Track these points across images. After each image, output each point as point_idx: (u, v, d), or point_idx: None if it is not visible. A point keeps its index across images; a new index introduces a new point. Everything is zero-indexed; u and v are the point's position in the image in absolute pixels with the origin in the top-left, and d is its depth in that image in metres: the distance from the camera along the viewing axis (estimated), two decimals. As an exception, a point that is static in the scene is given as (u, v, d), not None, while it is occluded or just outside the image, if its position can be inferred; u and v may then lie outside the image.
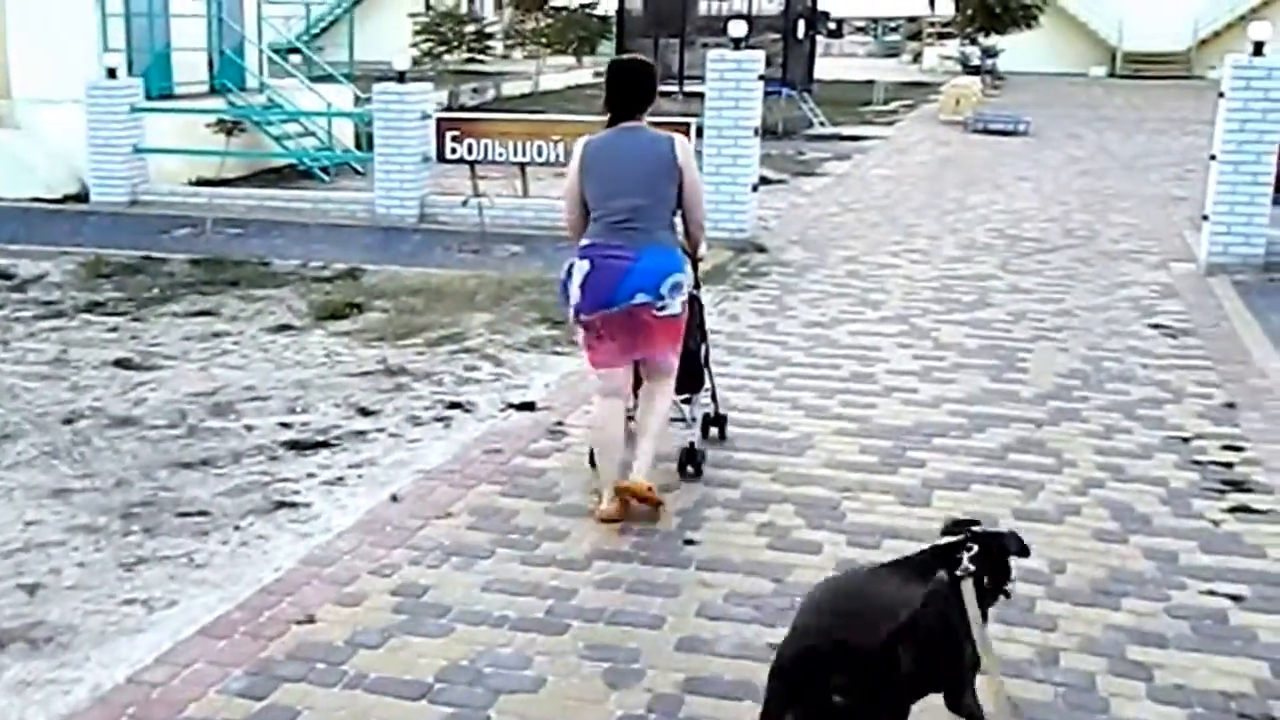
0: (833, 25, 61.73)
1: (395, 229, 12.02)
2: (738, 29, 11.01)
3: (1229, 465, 5.94)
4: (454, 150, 12.18)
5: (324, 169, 15.03)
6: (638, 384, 5.28)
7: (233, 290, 9.35)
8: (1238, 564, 4.87)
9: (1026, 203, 14.51)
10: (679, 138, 5.21)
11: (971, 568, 3.17)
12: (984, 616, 3.16)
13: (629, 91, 4.98)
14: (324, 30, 45.36)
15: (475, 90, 30.00)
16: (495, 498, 5.35)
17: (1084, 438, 6.32)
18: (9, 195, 13.59)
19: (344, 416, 6.43)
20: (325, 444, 6.01)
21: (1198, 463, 5.97)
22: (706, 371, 5.78)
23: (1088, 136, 22.66)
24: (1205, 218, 10.59)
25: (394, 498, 5.36)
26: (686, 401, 5.67)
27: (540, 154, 11.99)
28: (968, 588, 3.13)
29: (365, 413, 6.49)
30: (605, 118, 5.08)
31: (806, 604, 3.28)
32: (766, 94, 22.86)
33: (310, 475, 5.63)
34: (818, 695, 2.93)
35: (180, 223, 12.21)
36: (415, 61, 26.88)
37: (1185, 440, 6.29)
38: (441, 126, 12.17)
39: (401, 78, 12.01)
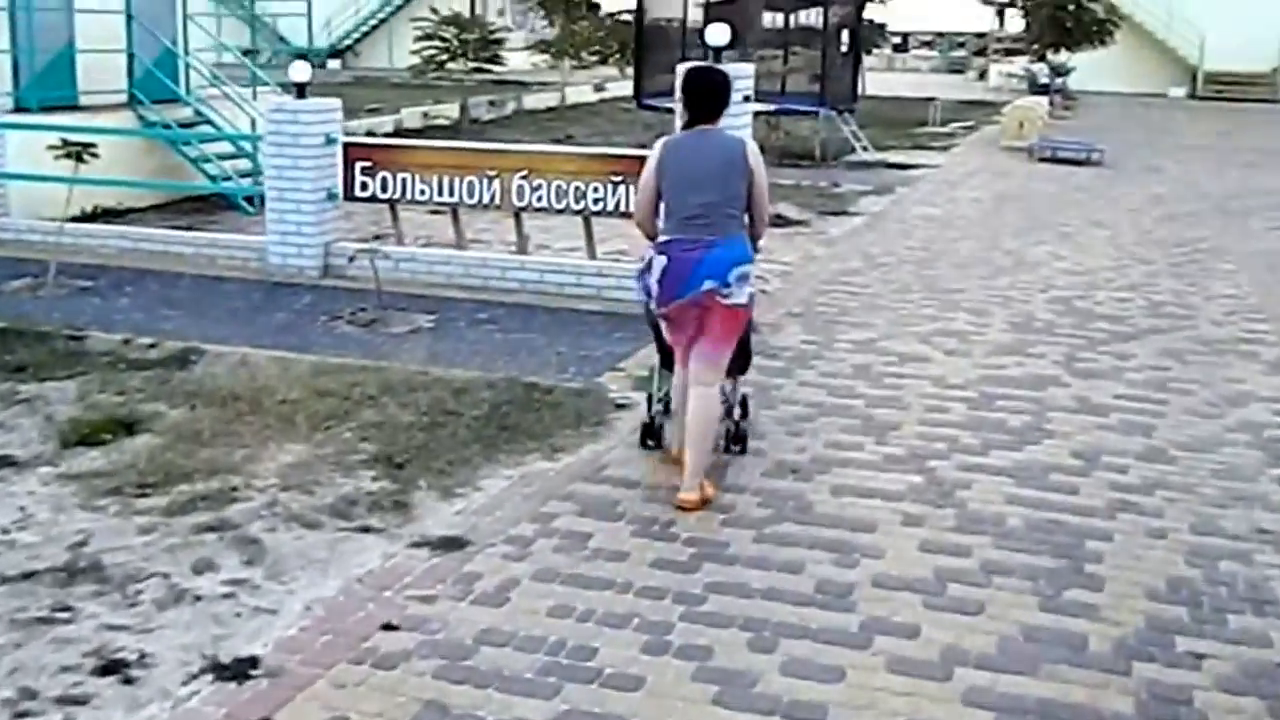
0: (897, 39, 59.04)
1: (287, 286, 9.47)
2: (717, 34, 8.32)
3: None
4: (365, 186, 9.61)
5: (249, 199, 12.51)
6: None
7: (3, 380, 6.83)
8: None
9: (1100, 259, 11.67)
10: (749, 141, 5.79)
11: None
12: None
13: (708, 97, 5.36)
14: (364, 36, 43.63)
15: (492, 103, 27.54)
16: None
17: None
18: None
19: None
20: None
21: None
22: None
23: (1170, 169, 19.67)
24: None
25: None
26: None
27: (472, 193, 9.38)
28: None
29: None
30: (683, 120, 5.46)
31: None
32: (802, 114, 20.56)
33: None
34: None
35: (24, 269, 9.75)
36: (418, 70, 24.53)
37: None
38: (350, 155, 9.60)
39: (301, 91, 9.45)
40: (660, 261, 5.25)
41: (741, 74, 8.61)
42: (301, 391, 6.51)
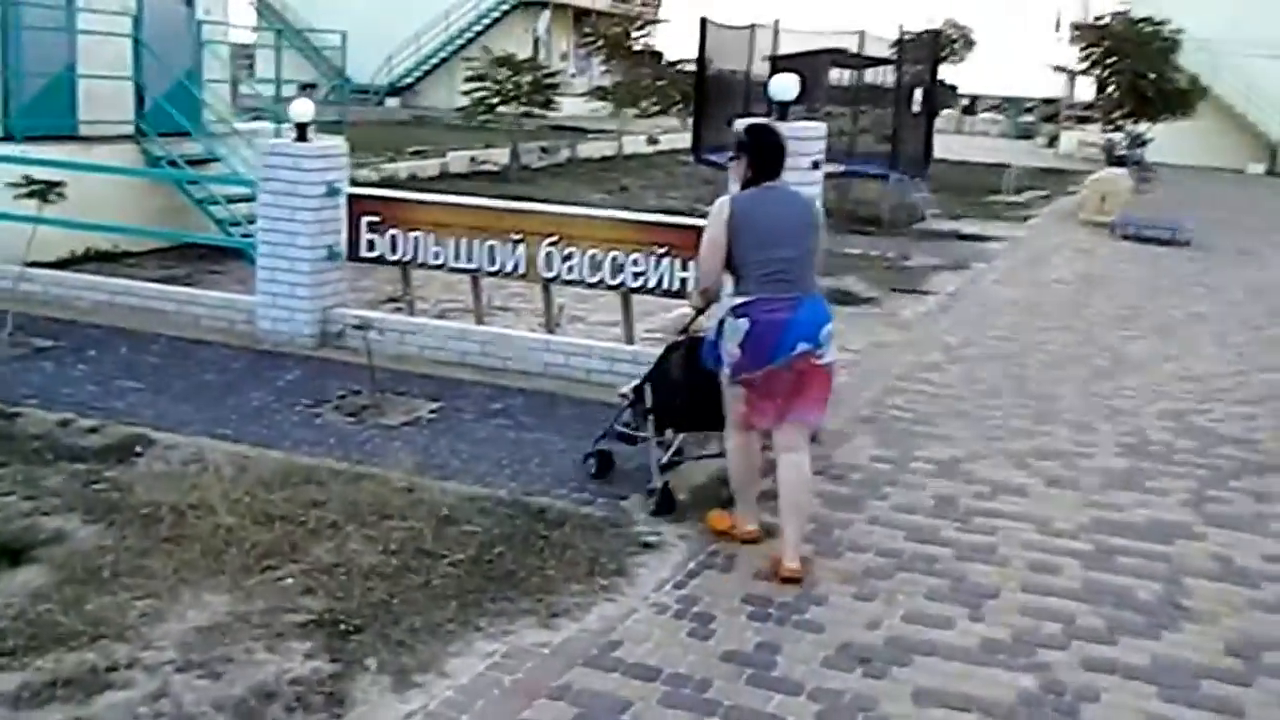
0: (966, 102, 57.65)
1: (275, 356, 8.20)
2: (783, 86, 6.98)
3: None
4: (372, 245, 8.35)
5: (258, 247, 11.28)
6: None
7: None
8: None
9: (1212, 362, 10.18)
10: (813, 197, 6.30)
11: None
12: None
13: (776, 153, 5.21)
14: (424, 75, 42.91)
15: (545, 149, 26.43)
16: None
17: None
18: None
19: None
20: None
21: None
22: None
23: (1264, 253, 18.14)
24: None
25: None
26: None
27: (493, 259, 8.08)
28: None
29: None
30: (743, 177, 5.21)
31: None
32: (872, 177, 19.20)
33: None
34: None
35: (-16, 322, 8.57)
36: (468, 112, 23.45)
37: None
38: (357, 209, 8.35)
39: (303, 133, 8.22)
40: (742, 325, 5.00)
41: (812, 134, 7.28)
42: (247, 511, 5.17)
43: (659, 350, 6.00)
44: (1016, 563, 5.50)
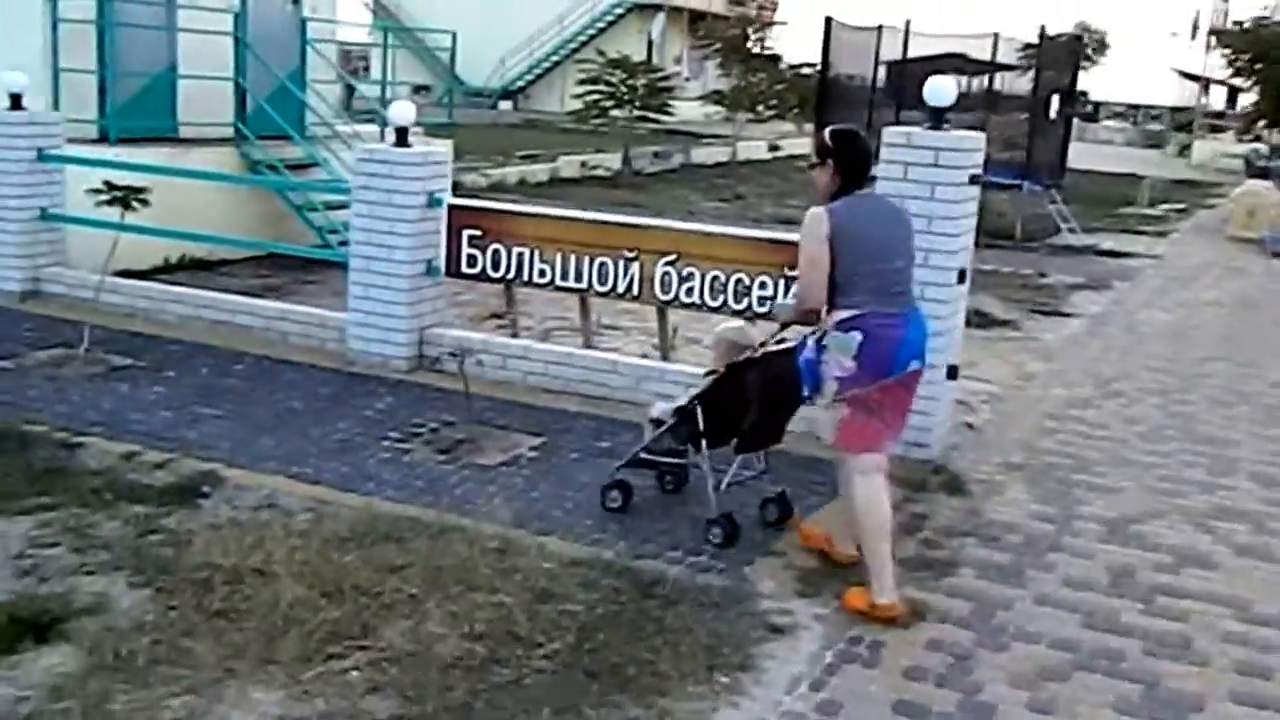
0: (1089, 107, 55.58)
1: (366, 379, 7.57)
2: (940, 91, 6.14)
3: None
4: (473, 260, 7.68)
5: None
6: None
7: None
8: None
9: (1404, 403, 9.02)
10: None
11: None
12: None
13: (867, 160, 4.95)
14: (537, 79, 42.59)
15: (657, 154, 25.75)
16: None
17: None
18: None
19: None
20: None
21: None
22: None
23: None
24: None
25: None
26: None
27: (604, 278, 7.36)
28: None
29: None
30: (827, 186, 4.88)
31: None
32: (1003, 188, 18.12)
33: None
34: None
35: (64, 334, 8.11)
36: (579, 116, 22.85)
37: None
38: (457, 221, 7.69)
39: (402, 138, 7.58)
40: (854, 338, 4.70)
41: (969, 145, 6.41)
42: (315, 577, 4.49)
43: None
44: (1219, 661, 4.58)
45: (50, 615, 4.10)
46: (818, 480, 5.99)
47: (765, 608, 4.66)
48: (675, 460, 5.55)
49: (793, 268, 6.78)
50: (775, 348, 5.26)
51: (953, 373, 6.61)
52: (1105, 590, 5.14)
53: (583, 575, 4.68)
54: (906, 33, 17.24)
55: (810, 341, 4.91)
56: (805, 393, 5.00)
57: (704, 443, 5.30)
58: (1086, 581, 5.20)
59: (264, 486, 5.63)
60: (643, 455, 5.57)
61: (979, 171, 6.47)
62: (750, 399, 5.25)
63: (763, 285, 6.86)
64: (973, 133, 6.60)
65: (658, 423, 5.51)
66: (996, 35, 17.97)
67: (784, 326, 5.23)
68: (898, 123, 16.98)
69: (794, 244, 7.16)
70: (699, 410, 5.29)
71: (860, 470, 4.82)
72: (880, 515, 4.78)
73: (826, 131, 5.02)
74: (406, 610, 4.29)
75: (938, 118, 6.35)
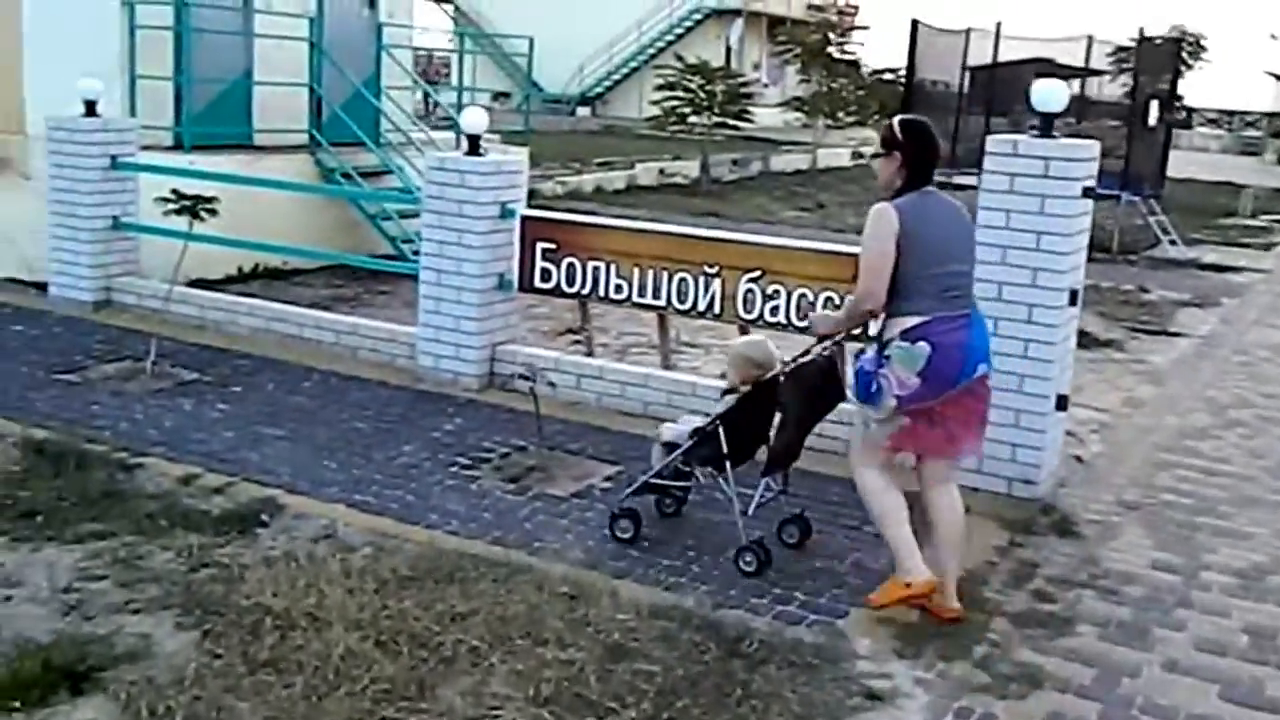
0: (1183, 114, 53.99)
1: (435, 398, 7.24)
2: (1050, 95, 5.65)
3: None
4: (547, 274, 7.32)
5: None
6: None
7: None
8: None
9: None
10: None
11: None
12: None
13: (936, 155, 4.71)
14: (615, 85, 42.35)
15: (736, 162, 25.28)
16: None
17: None
18: (-23, 271, 9.80)
19: None
20: None
21: None
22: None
23: None
24: None
25: None
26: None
27: (683, 295, 6.96)
28: None
29: None
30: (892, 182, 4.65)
31: None
32: (1100, 197, 17.37)
33: None
34: None
35: (133, 346, 7.90)
36: (658, 122, 22.46)
37: None
38: (530, 233, 7.33)
39: (474, 146, 7.24)
40: (922, 349, 4.47)
41: (1083, 154, 5.90)
42: (371, 624, 4.12)
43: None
44: (1382, 744, 4.05)
45: (89, 663, 3.78)
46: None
47: (862, 669, 4.21)
48: (683, 484, 5.31)
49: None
50: (805, 360, 4.96)
51: (1062, 403, 6.09)
52: (1243, 654, 4.61)
53: (661, 629, 4.26)
54: (997, 36, 16.63)
55: (871, 350, 4.64)
56: (855, 402, 4.73)
57: (728, 464, 5.02)
58: (1221, 644, 4.68)
59: (324, 516, 5.31)
60: (653, 481, 5.27)
61: (1093, 183, 5.96)
62: (788, 418, 4.96)
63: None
64: (1085, 140, 6.07)
65: (670, 446, 5.22)
66: (1090, 38, 17.29)
67: (821, 339, 4.98)
68: (987, 130, 16.45)
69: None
70: (722, 431, 4.98)
71: (871, 466, 4.69)
72: (890, 500, 4.68)
73: (896, 120, 4.76)
74: (468, 665, 3.91)
75: (1047, 124, 5.85)
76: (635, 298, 7.12)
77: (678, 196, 20.28)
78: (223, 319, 8.44)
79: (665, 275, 6.98)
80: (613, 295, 7.18)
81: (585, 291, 7.26)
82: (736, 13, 40.46)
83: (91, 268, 8.81)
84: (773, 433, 5.09)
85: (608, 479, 6.02)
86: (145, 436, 6.24)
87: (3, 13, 10.72)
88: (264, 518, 5.25)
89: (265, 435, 6.39)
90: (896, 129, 4.66)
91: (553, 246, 7.25)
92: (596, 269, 7.15)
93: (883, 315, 4.56)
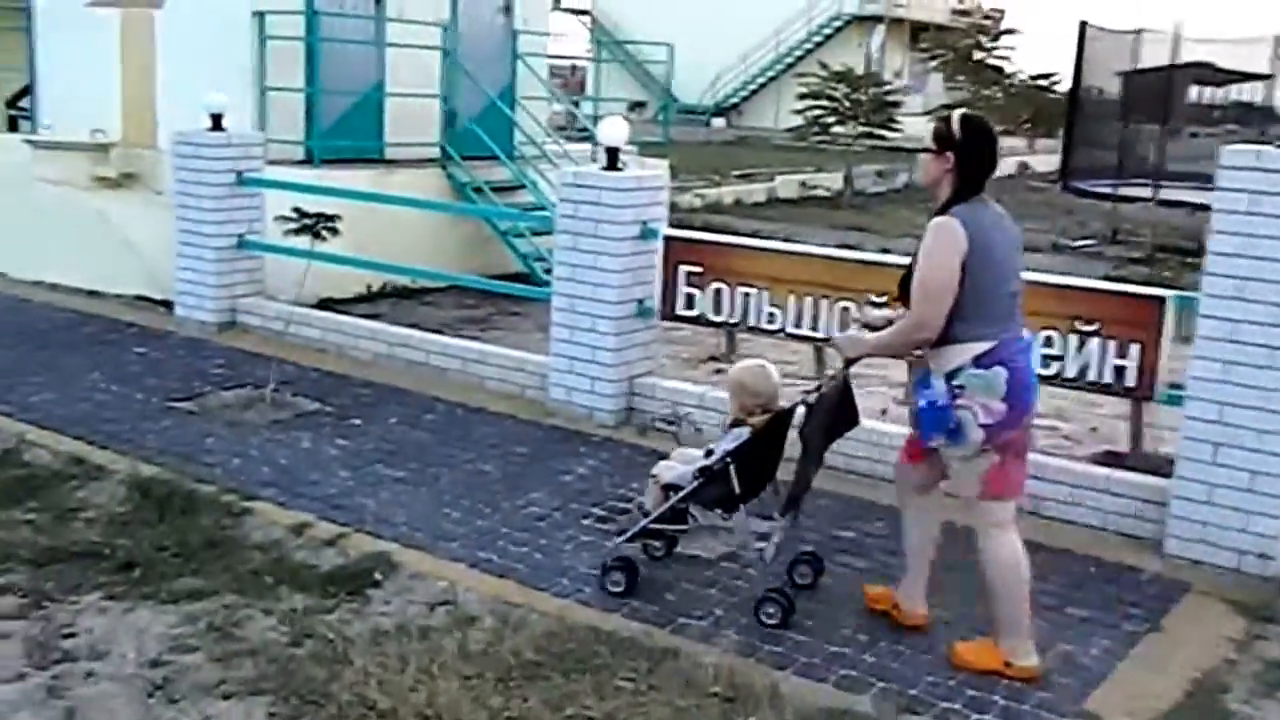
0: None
1: (567, 434, 6.63)
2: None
3: None
4: (692, 301, 6.66)
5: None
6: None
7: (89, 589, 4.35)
8: None
9: None
10: None
11: None
12: None
13: (995, 160, 4.22)
14: (751, 95, 41.61)
15: (880, 173, 24.33)
16: None
17: None
18: (107, 288, 9.55)
19: None
20: None
21: None
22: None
23: None
24: None
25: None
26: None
27: (846, 327, 6.23)
28: None
29: None
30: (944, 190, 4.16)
31: None
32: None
33: None
34: None
35: (255, 372, 7.49)
36: (800, 132, 21.69)
37: None
38: (674, 255, 6.69)
39: (613, 160, 6.63)
40: (1000, 374, 4.06)
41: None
42: None
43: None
44: None
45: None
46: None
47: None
48: (680, 526, 4.80)
49: (1085, 321, 5.58)
50: (825, 389, 4.54)
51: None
52: None
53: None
54: (1176, 38, 15.46)
55: (938, 383, 4.10)
56: (933, 444, 4.21)
57: (742, 506, 4.55)
58: None
59: (442, 577, 4.74)
60: (651, 526, 4.75)
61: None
62: (810, 450, 4.51)
63: (1047, 342, 5.61)
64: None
65: (672, 488, 4.68)
66: (1278, 39, 16.00)
67: (849, 364, 4.47)
68: (1132, 140, 15.33)
69: (1087, 291, 5.92)
70: (733, 469, 4.45)
71: (996, 523, 4.19)
72: (1022, 572, 4.21)
73: (955, 116, 4.21)
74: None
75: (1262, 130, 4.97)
76: (790, 328, 6.42)
77: (821, 209, 19.49)
78: (346, 343, 7.99)
79: (825, 304, 6.27)
80: (764, 325, 6.48)
81: (734, 320, 6.59)
82: (878, 19, 39.37)
83: (216, 287, 8.46)
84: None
85: (759, 538, 5.33)
86: (258, 476, 5.77)
87: (135, 24, 10.55)
88: (377, 577, 4.71)
89: (384, 477, 5.86)
90: (955, 125, 4.12)
91: (698, 270, 6.60)
92: (748, 296, 6.47)
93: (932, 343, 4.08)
